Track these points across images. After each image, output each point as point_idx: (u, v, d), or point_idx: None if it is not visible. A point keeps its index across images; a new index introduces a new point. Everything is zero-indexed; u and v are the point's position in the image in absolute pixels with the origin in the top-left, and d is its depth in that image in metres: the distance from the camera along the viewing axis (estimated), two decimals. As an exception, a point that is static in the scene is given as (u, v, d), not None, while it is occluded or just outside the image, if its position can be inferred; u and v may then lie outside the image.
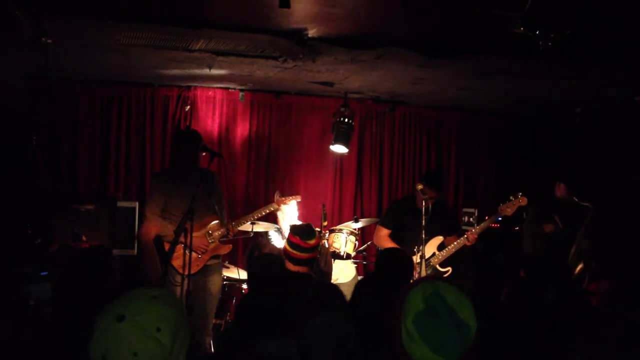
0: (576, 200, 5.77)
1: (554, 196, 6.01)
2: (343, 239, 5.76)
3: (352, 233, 5.82)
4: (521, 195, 5.65)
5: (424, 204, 5.39)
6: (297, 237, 4.38)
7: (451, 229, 5.93)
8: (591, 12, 3.38)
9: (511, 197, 5.68)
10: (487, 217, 5.94)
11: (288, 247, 4.44)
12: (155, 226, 5.27)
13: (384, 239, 5.97)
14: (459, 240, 5.71)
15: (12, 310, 3.66)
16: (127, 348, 1.70)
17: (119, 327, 1.71)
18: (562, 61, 5.27)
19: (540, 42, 3.11)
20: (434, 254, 5.76)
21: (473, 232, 5.69)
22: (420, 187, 5.58)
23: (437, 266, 5.72)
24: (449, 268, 5.77)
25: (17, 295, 4.07)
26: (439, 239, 5.79)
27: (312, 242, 4.41)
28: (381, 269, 4.29)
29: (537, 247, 5.93)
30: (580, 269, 5.63)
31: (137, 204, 6.53)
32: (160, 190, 5.36)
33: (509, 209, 5.66)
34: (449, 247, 5.74)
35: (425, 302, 1.91)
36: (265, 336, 3.00)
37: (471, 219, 7.69)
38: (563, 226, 5.86)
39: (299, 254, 4.35)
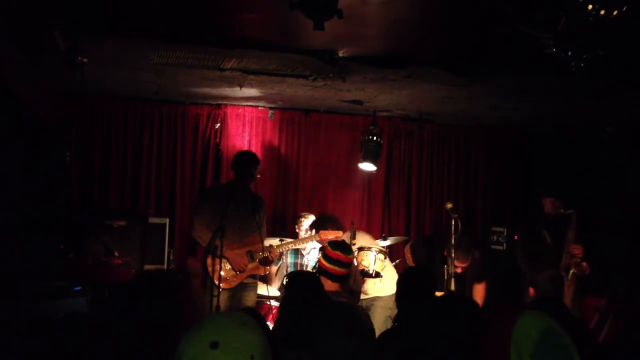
0: (562, 210, 5.78)
1: (542, 212, 6.02)
2: (372, 257, 5.75)
3: (381, 251, 5.82)
4: None
5: (452, 222, 5.38)
6: (338, 252, 4.39)
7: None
8: (624, 31, 3.37)
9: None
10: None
11: (327, 264, 4.43)
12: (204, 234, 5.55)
13: (413, 256, 6.05)
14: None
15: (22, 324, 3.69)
16: None
17: (214, 355, 1.63)
18: (595, 80, 5.24)
19: (573, 63, 3.11)
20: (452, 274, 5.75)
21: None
22: (449, 205, 5.57)
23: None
24: None
25: (41, 310, 4.11)
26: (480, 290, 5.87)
27: (351, 257, 4.46)
28: (402, 287, 4.25)
29: (529, 263, 5.93)
30: (572, 274, 5.63)
31: (167, 220, 6.62)
32: (211, 204, 5.58)
33: None
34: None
35: (541, 335, 1.91)
36: (284, 348, 3.01)
37: (500, 238, 7.64)
38: (552, 239, 5.86)
39: (339, 269, 4.37)
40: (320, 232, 5.99)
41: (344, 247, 4.52)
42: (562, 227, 5.77)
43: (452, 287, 5.36)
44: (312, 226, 6.35)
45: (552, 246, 5.83)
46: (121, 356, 2.77)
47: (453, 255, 5.31)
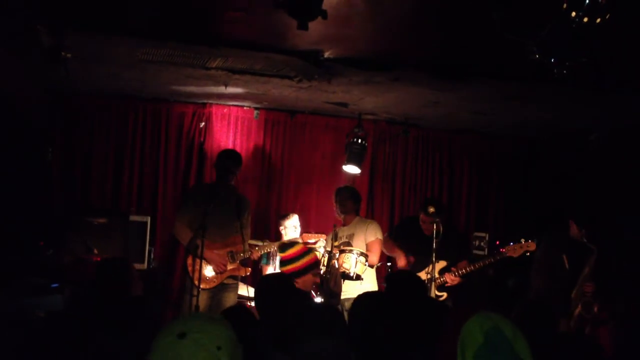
0: (585, 241, 5.62)
1: (567, 233, 5.87)
2: (353, 260, 5.75)
3: (362, 254, 5.81)
4: (530, 241, 5.63)
5: (434, 226, 5.39)
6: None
7: (462, 254, 5.91)
8: (608, 39, 3.39)
9: (521, 240, 5.67)
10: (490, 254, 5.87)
11: None
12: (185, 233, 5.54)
13: (389, 244, 6.05)
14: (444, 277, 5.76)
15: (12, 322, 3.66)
16: None
17: (180, 344, 1.71)
18: (578, 87, 5.27)
19: (555, 70, 3.12)
20: (434, 278, 5.71)
21: (455, 275, 5.71)
22: (432, 210, 5.58)
23: (435, 290, 5.70)
24: (444, 293, 5.75)
25: (19, 307, 4.07)
26: (442, 264, 5.77)
27: (286, 253, 4.55)
28: (394, 292, 4.23)
29: (546, 280, 5.82)
30: (579, 312, 5.51)
31: (149, 218, 6.57)
32: (194, 202, 5.52)
33: (515, 252, 5.64)
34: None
35: (485, 336, 1.95)
36: (271, 351, 3.00)
37: (482, 243, 7.65)
38: (569, 267, 5.73)
39: (282, 267, 4.59)
40: (303, 235, 6.01)
41: (281, 247, 4.77)
42: (580, 259, 5.63)
43: (433, 293, 5.38)
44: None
45: (569, 274, 5.69)
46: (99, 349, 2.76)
47: (434, 259, 5.33)
